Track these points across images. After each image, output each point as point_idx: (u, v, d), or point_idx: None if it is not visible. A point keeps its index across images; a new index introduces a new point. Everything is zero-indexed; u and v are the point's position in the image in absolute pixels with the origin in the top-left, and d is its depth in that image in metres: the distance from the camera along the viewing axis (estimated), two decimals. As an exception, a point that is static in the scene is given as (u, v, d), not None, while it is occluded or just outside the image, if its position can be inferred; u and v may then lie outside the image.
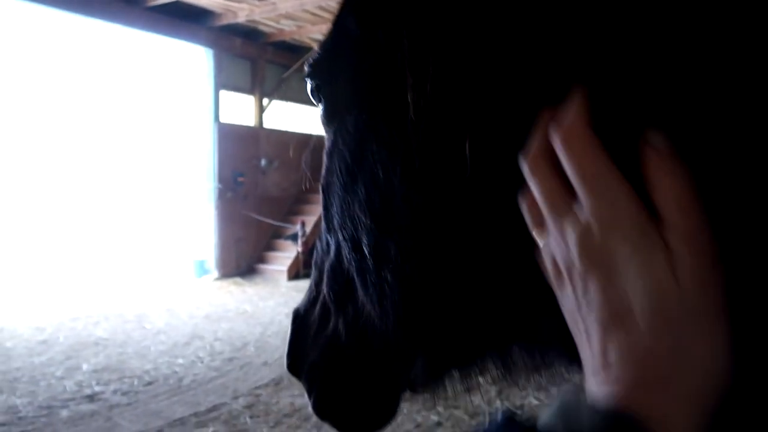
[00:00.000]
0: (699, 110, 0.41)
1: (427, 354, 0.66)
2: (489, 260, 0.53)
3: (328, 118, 0.69)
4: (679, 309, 0.40)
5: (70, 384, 5.72)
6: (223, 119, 12.68)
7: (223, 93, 12.69)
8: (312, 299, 0.82)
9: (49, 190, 19.79)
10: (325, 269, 0.75)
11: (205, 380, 5.91)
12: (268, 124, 13.86)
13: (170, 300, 10.35)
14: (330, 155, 0.68)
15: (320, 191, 0.72)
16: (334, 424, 0.85)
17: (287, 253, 13.00)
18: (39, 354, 6.82)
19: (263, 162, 13.50)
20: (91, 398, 5.36)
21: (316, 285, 0.81)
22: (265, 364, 6.42)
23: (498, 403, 5.12)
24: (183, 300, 10.37)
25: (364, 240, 0.61)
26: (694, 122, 0.41)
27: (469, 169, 0.50)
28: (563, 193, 0.44)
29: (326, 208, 0.72)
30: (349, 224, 0.63)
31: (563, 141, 0.43)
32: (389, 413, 0.82)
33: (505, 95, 0.48)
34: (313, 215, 13.40)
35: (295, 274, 12.48)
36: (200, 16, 11.68)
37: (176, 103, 15.29)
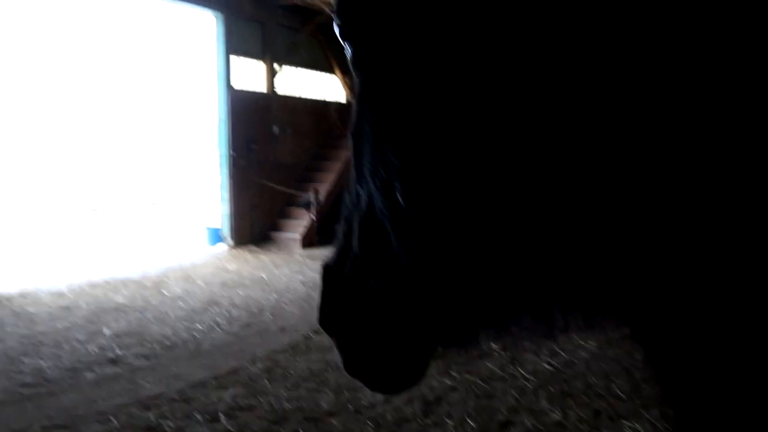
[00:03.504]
0: None
1: (460, 305, 0.65)
2: (530, 207, 0.53)
3: (358, 61, 0.67)
4: None
5: (93, 348, 5.86)
6: (234, 85, 12.57)
7: (233, 59, 12.54)
8: (342, 252, 0.79)
9: (63, 157, 19.92)
10: (355, 221, 0.73)
11: (223, 345, 6.02)
12: (280, 90, 13.73)
13: (186, 267, 10.48)
14: (360, 100, 0.66)
15: (350, 139, 0.70)
16: (364, 382, 0.82)
17: (301, 221, 13.04)
18: (61, 318, 6.98)
19: (276, 129, 13.42)
20: (114, 361, 5.49)
21: (346, 237, 0.78)
22: (281, 330, 6.52)
23: (510, 368, 5.17)
24: (199, 267, 10.49)
25: (397, 184, 0.59)
26: None
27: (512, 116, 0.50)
28: None
29: (356, 157, 0.69)
30: (381, 170, 0.61)
31: None
32: (420, 372, 0.79)
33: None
34: (325, 182, 13.38)
35: (309, 242, 12.55)
36: (209, -20, 11.52)
37: (187, 70, 15.17)
